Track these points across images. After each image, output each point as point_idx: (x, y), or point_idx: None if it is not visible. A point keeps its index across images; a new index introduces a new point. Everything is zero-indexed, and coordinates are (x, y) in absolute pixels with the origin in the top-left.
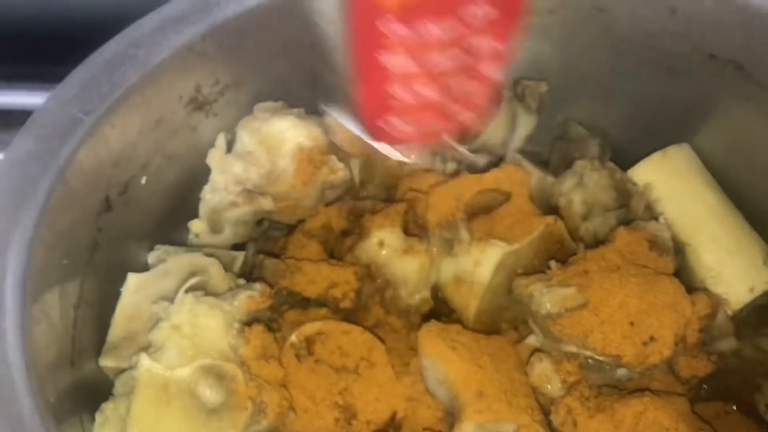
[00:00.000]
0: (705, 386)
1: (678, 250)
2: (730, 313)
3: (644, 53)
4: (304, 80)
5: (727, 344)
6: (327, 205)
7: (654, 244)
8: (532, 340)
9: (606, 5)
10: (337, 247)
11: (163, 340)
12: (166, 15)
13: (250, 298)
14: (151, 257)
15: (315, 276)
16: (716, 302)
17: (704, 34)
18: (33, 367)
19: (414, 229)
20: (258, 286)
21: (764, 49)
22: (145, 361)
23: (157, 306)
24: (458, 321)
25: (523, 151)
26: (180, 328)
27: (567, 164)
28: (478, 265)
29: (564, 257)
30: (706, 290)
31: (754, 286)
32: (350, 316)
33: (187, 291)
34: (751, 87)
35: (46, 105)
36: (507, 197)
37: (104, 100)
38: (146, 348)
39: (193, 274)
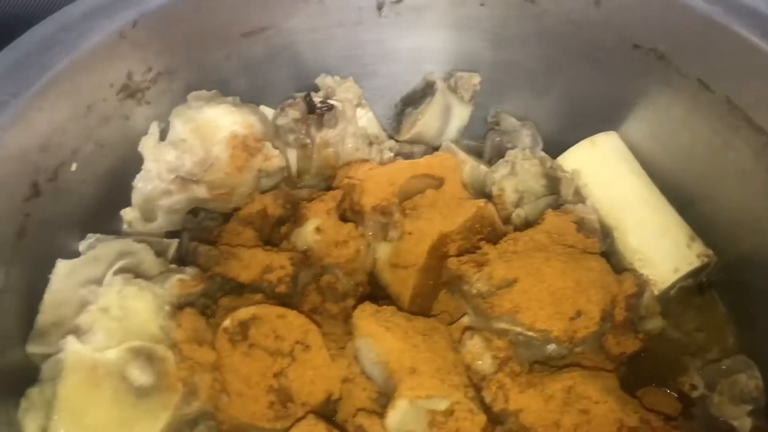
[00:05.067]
0: (632, 366)
1: (606, 234)
2: (656, 293)
3: (572, 44)
4: (239, 69)
5: (654, 323)
6: (263, 192)
7: (581, 225)
8: (465, 320)
9: None
10: (273, 234)
11: (91, 323)
12: (97, 0)
13: (182, 281)
14: (82, 245)
15: (249, 261)
16: (642, 282)
17: (627, 24)
18: None
19: (350, 215)
20: (190, 270)
21: (684, 38)
22: (72, 343)
23: (85, 289)
24: (395, 304)
25: (457, 142)
26: (108, 311)
27: (500, 154)
28: (413, 247)
29: (495, 240)
30: (633, 271)
31: (679, 266)
32: (286, 302)
33: (116, 273)
34: (673, 75)
35: None
36: (440, 183)
37: (32, 84)
38: (74, 332)
39: (122, 257)
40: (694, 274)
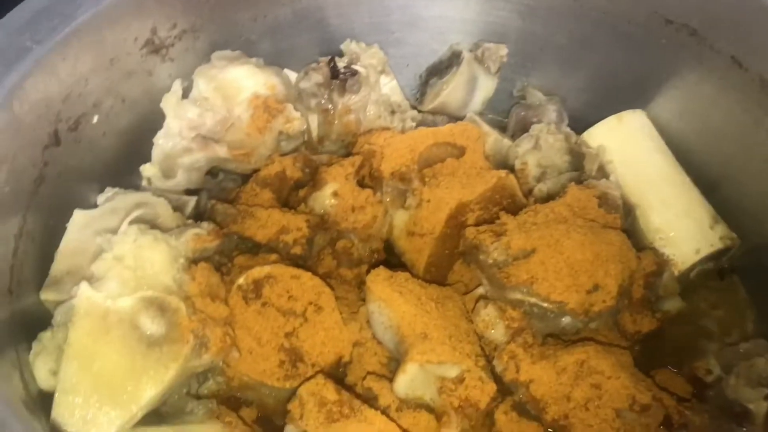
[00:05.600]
0: (647, 346)
1: (628, 211)
2: (676, 273)
3: (602, 18)
4: (264, 31)
5: (672, 304)
6: (282, 155)
7: (603, 200)
8: (480, 291)
9: None
10: (291, 197)
11: (105, 271)
12: None
13: (198, 235)
14: (101, 198)
15: (266, 221)
16: (663, 261)
17: None
18: None
19: (369, 182)
20: (206, 224)
21: (718, 14)
22: (85, 289)
23: (101, 238)
24: (410, 272)
25: (481, 115)
26: (123, 259)
27: (524, 129)
28: (431, 215)
29: (514, 212)
30: (653, 250)
31: (701, 247)
32: (301, 265)
33: (131, 223)
34: (705, 51)
35: None
36: (461, 152)
37: (56, 32)
38: (88, 279)
39: (139, 208)
40: (716, 256)
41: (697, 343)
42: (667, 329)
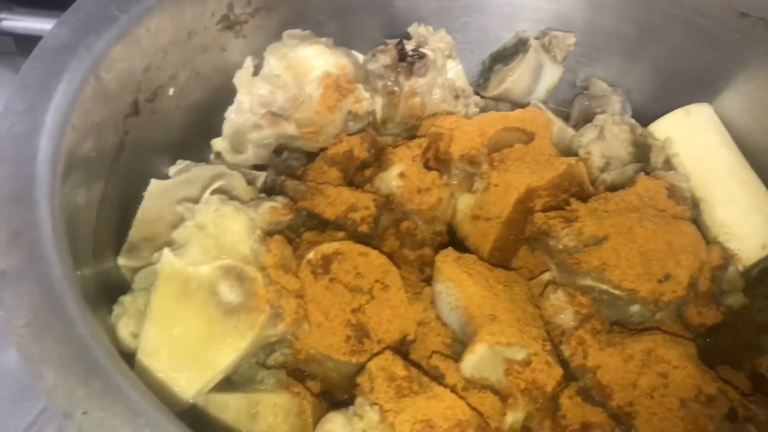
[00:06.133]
0: (708, 340)
1: (694, 205)
2: (741, 268)
3: (673, 9)
4: (333, 12)
5: (736, 299)
6: (350, 135)
7: (672, 192)
8: (546, 277)
9: None
10: (357, 176)
11: (187, 238)
12: None
13: (273, 208)
14: (173, 170)
15: (335, 198)
16: (729, 255)
17: None
18: (59, 239)
19: (434, 164)
20: (281, 198)
21: None
22: (168, 255)
23: (182, 207)
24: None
25: (544, 103)
26: (205, 228)
27: (587, 119)
28: (498, 199)
29: (583, 199)
30: (719, 244)
31: (767, 243)
32: (366, 243)
33: (213, 193)
34: None
35: (81, 1)
36: (530, 138)
37: (140, 2)
38: (169, 245)
39: (217, 180)
40: None
41: (757, 339)
42: (728, 323)
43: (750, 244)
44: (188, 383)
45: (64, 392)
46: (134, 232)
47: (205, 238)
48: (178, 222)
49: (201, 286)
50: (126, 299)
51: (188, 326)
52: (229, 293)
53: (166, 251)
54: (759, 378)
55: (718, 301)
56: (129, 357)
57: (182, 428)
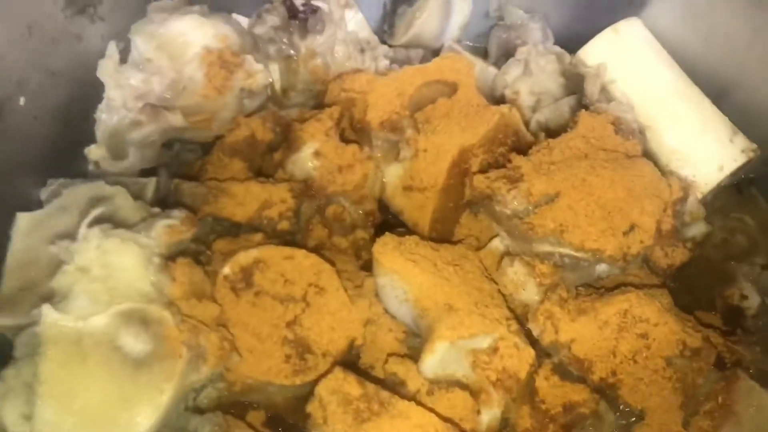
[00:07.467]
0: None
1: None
2: (699, 195)
3: None
4: None
5: (699, 229)
6: (248, 116)
7: (619, 126)
8: (496, 244)
9: None
10: (265, 163)
11: (69, 286)
12: None
13: (170, 227)
14: (44, 193)
15: (243, 197)
16: (686, 184)
17: None
18: None
19: (351, 134)
20: (177, 212)
21: None
22: (49, 313)
23: (55, 247)
24: (411, 232)
25: (459, 42)
26: (88, 270)
27: (508, 54)
28: (430, 166)
29: (521, 150)
30: (672, 173)
31: (723, 164)
32: (290, 241)
33: (90, 225)
34: None
35: None
36: (453, 89)
37: None
38: (49, 298)
39: (95, 205)
40: (736, 171)
41: (724, 267)
42: (694, 258)
43: (706, 168)
44: None
45: None
46: (7, 283)
47: (91, 283)
48: (57, 263)
49: (98, 343)
50: (8, 373)
51: (91, 394)
52: (135, 343)
53: (45, 308)
54: (734, 311)
55: (682, 237)
56: None
57: None
